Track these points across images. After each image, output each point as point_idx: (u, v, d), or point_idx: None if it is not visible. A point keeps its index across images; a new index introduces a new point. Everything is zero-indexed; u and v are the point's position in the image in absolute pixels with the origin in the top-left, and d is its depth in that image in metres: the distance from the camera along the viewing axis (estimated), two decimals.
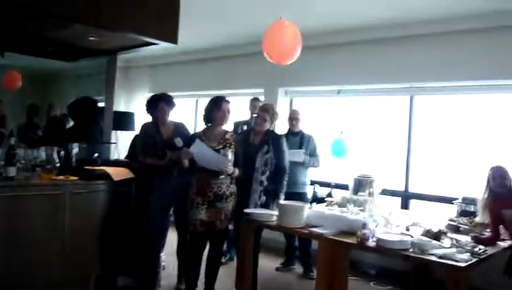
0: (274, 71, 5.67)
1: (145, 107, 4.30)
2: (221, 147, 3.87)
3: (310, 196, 5.11)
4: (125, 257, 4.08)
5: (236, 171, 3.86)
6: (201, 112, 4.07)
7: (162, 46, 4.36)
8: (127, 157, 4.75)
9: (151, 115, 4.27)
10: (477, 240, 3.23)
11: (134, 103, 8.20)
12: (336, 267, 3.14)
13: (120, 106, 7.86)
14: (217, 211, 3.81)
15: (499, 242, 3.31)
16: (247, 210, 3.81)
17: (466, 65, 4.71)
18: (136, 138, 4.55)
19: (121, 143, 6.40)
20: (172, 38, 4.21)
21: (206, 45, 6.75)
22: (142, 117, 6.44)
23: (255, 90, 6.44)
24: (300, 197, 4.69)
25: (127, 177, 4.05)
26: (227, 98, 3.98)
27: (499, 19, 4.43)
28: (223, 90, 6.32)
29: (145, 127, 4.34)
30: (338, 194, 4.62)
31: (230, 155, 3.83)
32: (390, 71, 5.24)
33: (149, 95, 4.71)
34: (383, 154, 5.55)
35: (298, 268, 5.19)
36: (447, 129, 5.16)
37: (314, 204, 4.18)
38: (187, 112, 7.57)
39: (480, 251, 2.94)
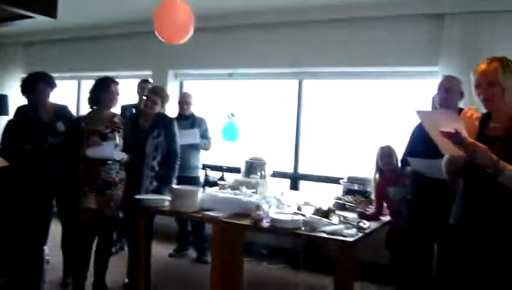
0: (163, 53, 5.50)
1: (20, 89, 3.91)
2: (109, 130, 3.67)
3: (202, 180, 5.06)
4: None
5: (126, 157, 3.68)
6: (85, 95, 3.83)
7: (39, 20, 3.97)
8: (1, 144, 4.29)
9: (27, 97, 3.89)
10: (363, 216, 3.42)
11: (6, 85, 7.44)
12: (232, 250, 3.13)
13: None
14: (106, 199, 3.62)
15: (381, 217, 3.54)
16: (138, 196, 3.67)
17: (350, 52, 4.94)
18: (9, 122, 4.12)
19: None
20: (50, 11, 3.84)
21: (89, 22, 6.28)
22: (17, 100, 5.88)
23: (142, 72, 6.18)
24: (193, 181, 4.63)
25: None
26: (115, 80, 3.78)
27: (375, 10, 4.70)
28: (108, 71, 5.93)
29: (21, 110, 3.96)
30: (230, 178, 4.64)
31: (118, 139, 3.65)
32: (280, 56, 5.32)
33: (24, 75, 4.29)
34: (274, 137, 5.66)
35: (192, 253, 5.13)
36: (333, 113, 5.39)
37: (206, 188, 4.14)
38: (68, 95, 7.05)
39: (365, 226, 3.11)
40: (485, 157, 2.07)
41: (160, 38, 3.42)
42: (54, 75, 4.04)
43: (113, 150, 3.61)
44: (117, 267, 4.07)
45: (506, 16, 4.20)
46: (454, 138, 2.10)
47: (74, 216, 3.70)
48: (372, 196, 3.84)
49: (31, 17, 3.89)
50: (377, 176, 3.74)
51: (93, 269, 3.77)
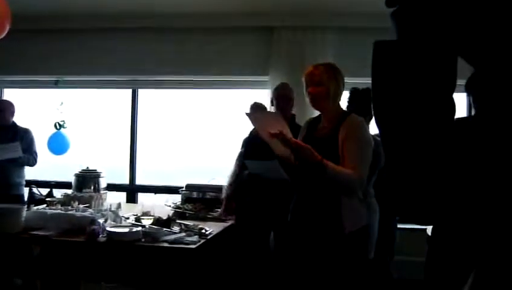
0: None
1: None
2: None
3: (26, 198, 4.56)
4: None
5: None
6: None
7: None
8: None
9: None
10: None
11: None
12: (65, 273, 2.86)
13: None
14: None
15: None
16: None
17: (185, 61, 4.95)
18: None
19: None
20: None
21: None
22: None
23: None
24: (16, 199, 4.16)
25: None
26: None
27: (208, 21, 4.80)
28: None
29: None
30: (60, 193, 4.27)
31: None
32: (113, 63, 5.08)
33: None
34: (108, 148, 5.39)
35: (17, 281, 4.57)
36: (169, 121, 5.35)
37: (32, 206, 3.74)
38: None
39: (207, 232, 3.11)
40: (308, 156, 2.23)
41: None
42: None
43: None
44: None
45: (327, 30, 4.62)
46: (280, 138, 2.23)
47: None
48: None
49: None
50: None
51: None
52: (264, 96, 4.51)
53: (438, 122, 0.82)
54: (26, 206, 3.62)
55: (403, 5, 0.82)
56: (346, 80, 2.58)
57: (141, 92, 5.37)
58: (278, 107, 3.55)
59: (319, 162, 2.22)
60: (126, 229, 2.99)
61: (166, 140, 5.36)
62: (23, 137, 4.46)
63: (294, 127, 2.82)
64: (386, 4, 0.83)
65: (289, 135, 2.27)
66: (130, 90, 5.35)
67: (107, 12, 4.83)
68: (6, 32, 3.02)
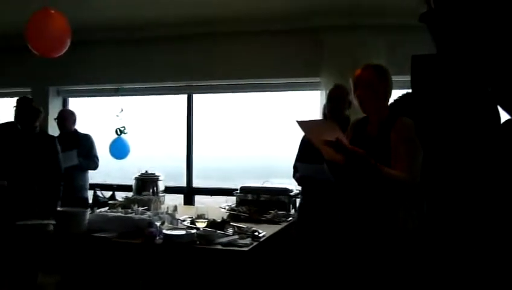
0: (43, 69, 5.16)
1: None
2: None
3: (91, 200, 4.80)
4: None
5: None
6: None
7: None
8: None
9: None
10: None
11: None
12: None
13: None
14: None
15: None
16: (19, 222, 3.37)
17: (238, 65, 5.02)
18: None
19: None
20: None
21: None
22: None
23: (20, 89, 5.75)
24: (80, 202, 4.37)
25: None
26: None
27: (260, 24, 4.83)
28: None
29: None
30: (122, 196, 4.45)
31: None
32: (167, 70, 5.25)
33: None
34: (165, 151, 5.56)
35: None
36: (224, 124, 5.44)
37: (95, 209, 3.93)
38: None
39: (259, 235, 3.14)
40: (363, 161, 2.20)
41: (34, 51, 3.20)
42: None
43: None
44: None
45: (380, 29, 4.53)
46: (336, 146, 2.22)
47: None
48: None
49: None
50: None
51: None
52: (316, 98, 4.49)
53: (478, 130, 0.80)
54: (89, 208, 3.80)
55: (439, 19, 0.81)
56: (400, 78, 2.53)
57: (196, 97, 5.51)
58: (330, 108, 3.50)
59: (374, 167, 2.20)
60: (182, 232, 3.08)
61: (222, 143, 5.46)
62: (83, 143, 4.70)
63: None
64: (420, 19, 0.82)
65: (344, 140, 2.26)
66: (186, 96, 5.50)
67: (163, 21, 4.99)
68: (67, 47, 3.20)
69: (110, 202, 4.18)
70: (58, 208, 3.57)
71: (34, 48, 3.15)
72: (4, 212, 3.45)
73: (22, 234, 3.29)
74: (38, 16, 3.10)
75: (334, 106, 3.46)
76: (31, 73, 5.54)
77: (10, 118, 4.87)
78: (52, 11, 3.12)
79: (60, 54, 3.25)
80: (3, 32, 5.36)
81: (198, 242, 2.95)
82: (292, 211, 4.01)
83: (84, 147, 4.64)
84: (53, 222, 3.34)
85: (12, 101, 5.00)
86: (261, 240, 3.08)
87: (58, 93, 5.93)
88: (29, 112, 3.97)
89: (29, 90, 5.76)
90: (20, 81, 5.78)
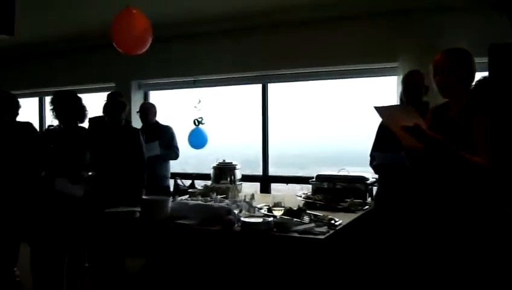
0: (126, 64, 5.45)
1: None
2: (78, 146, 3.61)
3: (172, 189, 5.02)
4: None
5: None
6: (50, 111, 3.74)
7: None
8: None
9: None
10: None
11: None
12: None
13: None
14: None
15: None
16: (108, 210, 3.61)
17: (313, 52, 4.99)
18: None
19: None
20: (7, 28, 3.74)
21: (47, 37, 6.17)
22: None
23: (105, 84, 6.12)
24: (163, 190, 4.59)
25: None
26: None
27: (334, 10, 4.76)
28: (70, 86, 5.84)
29: None
30: (201, 185, 4.62)
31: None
32: (242, 61, 5.33)
33: None
34: (242, 140, 5.67)
35: None
36: (300, 112, 5.45)
37: (176, 197, 4.11)
38: (29, 112, 6.90)
39: (336, 223, 3.14)
40: (443, 148, 2.13)
41: (118, 49, 3.39)
42: (14, 92, 3.97)
43: None
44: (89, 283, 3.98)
45: (460, 12, 4.31)
46: (415, 131, 2.15)
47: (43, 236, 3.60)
48: None
49: None
50: None
51: (65, 287, 3.69)
52: (392, 84, 4.37)
53: None
54: (171, 197, 3.98)
55: None
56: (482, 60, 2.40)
57: (270, 86, 5.56)
58: (408, 94, 3.39)
59: (454, 153, 2.12)
60: (259, 220, 3.14)
61: (297, 131, 5.48)
62: (164, 134, 4.92)
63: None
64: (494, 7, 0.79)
65: (423, 125, 2.19)
66: (260, 85, 5.57)
67: (236, 13, 5.06)
68: (148, 45, 3.36)
69: (190, 190, 4.35)
70: (143, 196, 3.78)
71: (118, 47, 3.34)
72: (94, 200, 3.70)
73: (111, 220, 3.52)
74: (122, 16, 3.27)
75: (411, 92, 3.36)
76: (115, 69, 5.87)
77: (97, 112, 5.25)
78: (134, 11, 3.28)
79: (142, 51, 3.41)
80: (89, 32, 5.71)
81: (275, 229, 3.00)
82: (369, 200, 3.94)
83: (165, 138, 4.86)
84: (138, 209, 3.55)
85: (98, 96, 5.39)
86: (338, 228, 3.08)
87: (140, 87, 6.24)
88: (115, 105, 4.21)
89: (113, 85, 6.12)
90: (105, 77, 6.15)
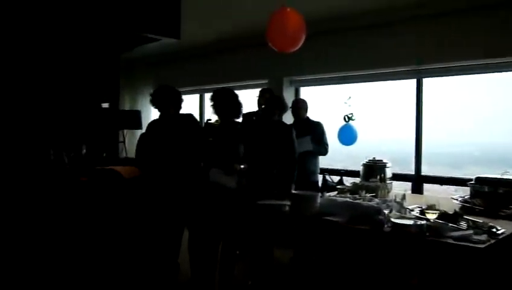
0: (278, 61, 5.64)
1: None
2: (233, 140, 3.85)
3: (320, 184, 5.06)
4: None
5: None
6: (209, 106, 4.03)
7: (165, 41, 4.32)
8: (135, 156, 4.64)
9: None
10: None
11: (139, 102, 8.17)
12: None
13: (125, 104, 7.86)
14: None
15: None
16: (260, 202, 3.78)
17: (470, 44, 4.65)
18: (142, 136, 4.43)
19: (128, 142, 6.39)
20: (174, 33, 4.16)
21: (207, 39, 6.69)
22: (148, 115, 6.43)
23: (258, 81, 6.40)
24: (312, 186, 4.65)
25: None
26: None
27: None
28: (227, 83, 6.28)
29: (151, 124, 4.30)
30: (349, 181, 4.58)
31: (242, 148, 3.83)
32: (395, 54, 5.16)
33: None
34: (393, 138, 5.50)
35: None
36: (455, 111, 5.10)
37: (325, 192, 4.15)
38: (191, 108, 7.54)
39: (498, 232, 2.89)
40: None
41: (273, 48, 3.51)
42: (180, 90, 4.37)
43: None
44: (240, 269, 4.21)
45: None
46: None
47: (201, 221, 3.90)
48: None
49: (157, 39, 4.23)
50: None
51: (218, 271, 3.96)
52: None
53: None
54: (320, 192, 4.02)
55: None
56: None
57: (425, 81, 5.29)
58: None
59: None
60: (411, 222, 3.03)
61: (453, 128, 5.13)
62: (315, 130, 4.97)
63: None
64: None
65: None
66: (415, 80, 5.32)
67: (386, 7, 4.91)
68: (302, 42, 3.43)
69: (338, 187, 4.34)
70: (293, 191, 3.89)
71: (273, 45, 3.47)
72: (247, 192, 3.90)
73: (262, 212, 3.69)
74: (277, 16, 3.39)
75: None
76: (268, 66, 6.10)
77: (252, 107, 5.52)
78: (289, 10, 3.38)
79: (295, 49, 3.50)
80: (245, 31, 6.03)
81: (427, 234, 2.87)
82: None
83: (315, 134, 4.92)
84: (288, 203, 3.67)
85: (251, 92, 5.66)
86: (500, 237, 2.83)
87: (291, 83, 6.40)
88: (269, 100, 4.39)
89: (266, 81, 6.37)
90: (259, 74, 6.43)
